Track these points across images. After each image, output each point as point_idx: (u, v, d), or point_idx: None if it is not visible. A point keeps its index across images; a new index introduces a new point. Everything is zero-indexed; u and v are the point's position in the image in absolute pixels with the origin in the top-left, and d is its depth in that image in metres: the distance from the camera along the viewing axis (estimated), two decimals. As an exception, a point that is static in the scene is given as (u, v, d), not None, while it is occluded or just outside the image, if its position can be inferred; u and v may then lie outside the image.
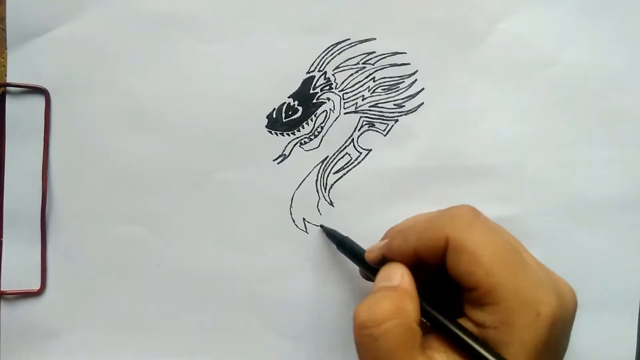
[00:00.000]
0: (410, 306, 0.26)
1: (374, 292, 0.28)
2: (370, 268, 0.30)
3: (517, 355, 0.24)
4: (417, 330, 0.26)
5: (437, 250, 0.27)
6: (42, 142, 0.35)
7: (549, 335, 0.25)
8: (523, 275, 0.25)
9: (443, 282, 0.28)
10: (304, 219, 0.35)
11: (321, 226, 0.35)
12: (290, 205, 0.35)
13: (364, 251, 0.31)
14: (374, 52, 0.35)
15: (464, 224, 0.27)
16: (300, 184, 0.35)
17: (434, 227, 0.27)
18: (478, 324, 0.25)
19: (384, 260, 0.29)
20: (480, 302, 0.25)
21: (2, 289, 0.35)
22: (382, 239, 0.32)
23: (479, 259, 0.25)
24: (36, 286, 0.35)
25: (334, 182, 0.35)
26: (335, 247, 0.34)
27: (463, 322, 0.26)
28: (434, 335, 0.27)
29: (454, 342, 0.26)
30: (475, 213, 0.28)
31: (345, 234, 0.34)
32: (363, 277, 0.33)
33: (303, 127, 0.35)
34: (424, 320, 0.27)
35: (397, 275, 0.28)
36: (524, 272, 0.26)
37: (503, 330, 0.25)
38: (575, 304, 0.27)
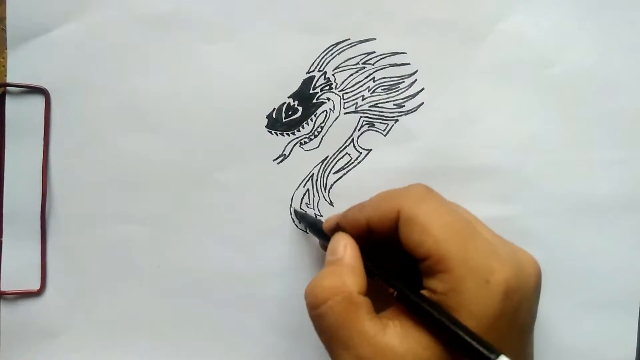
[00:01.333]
0: (350, 279, 0.27)
1: (322, 269, 0.29)
2: (328, 239, 0.31)
3: (465, 322, 0.25)
4: (361, 300, 0.27)
5: (388, 222, 0.28)
6: (42, 142, 0.35)
7: (502, 305, 0.25)
8: (473, 245, 0.26)
9: (406, 259, 0.28)
10: (304, 219, 0.35)
11: (294, 210, 0.35)
12: (290, 205, 0.35)
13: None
14: (374, 52, 0.35)
15: (416, 198, 0.28)
16: (300, 184, 0.35)
17: (388, 200, 0.28)
18: (431, 291, 0.26)
19: (338, 229, 0.30)
20: (433, 271, 0.26)
21: (2, 289, 0.35)
22: None
23: (429, 230, 0.26)
24: (36, 286, 0.35)
25: (334, 182, 0.35)
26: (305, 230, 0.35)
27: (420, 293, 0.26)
28: (392, 307, 0.27)
29: (406, 306, 0.26)
30: (428, 190, 0.29)
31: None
32: (322, 248, 0.34)
33: (303, 127, 0.35)
34: (392, 291, 0.27)
35: (340, 247, 0.29)
36: (474, 241, 0.26)
37: (451, 297, 0.25)
38: (538, 276, 0.28)
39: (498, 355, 0.23)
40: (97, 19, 0.35)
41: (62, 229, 0.35)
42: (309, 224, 0.34)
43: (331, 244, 0.30)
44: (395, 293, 0.27)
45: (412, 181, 0.35)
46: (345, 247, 0.29)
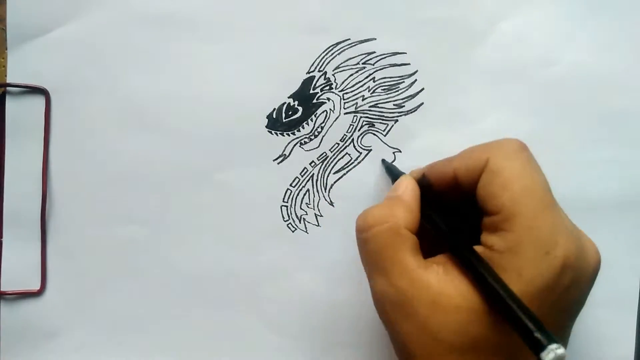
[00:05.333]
0: (401, 213, 0.28)
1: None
2: None
3: (511, 283, 0.24)
4: (407, 235, 0.27)
5: (475, 172, 0.27)
6: (42, 142, 0.35)
7: (554, 279, 0.25)
8: (547, 214, 0.26)
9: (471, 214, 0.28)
10: (304, 219, 0.35)
11: (382, 160, 0.35)
12: (291, 205, 0.35)
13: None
14: (374, 52, 0.35)
15: (508, 152, 0.27)
16: (300, 184, 0.35)
17: (479, 150, 0.28)
18: (487, 246, 0.26)
19: (423, 178, 0.30)
20: (497, 228, 0.26)
21: (2, 289, 0.35)
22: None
23: (510, 185, 0.26)
24: (36, 286, 0.35)
25: (334, 182, 0.35)
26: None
27: (474, 248, 0.26)
28: (441, 255, 0.27)
29: (454, 253, 0.27)
30: (521, 146, 0.28)
31: (345, 234, 0.34)
32: None
33: (303, 127, 0.35)
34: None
35: (402, 186, 0.29)
36: (548, 211, 0.26)
37: (506, 256, 0.25)
38: (597, 265, 0.27)
39: (550, 341, 0.21)
40: (97, 19, 0.35)
41: (62, 230, 0.35)
42: (393, 176, 0.33)
43: (394, 184, 0.30)
44: (449, 241, 0.27)
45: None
46: (406, 187, 0.29)
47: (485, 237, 0.26)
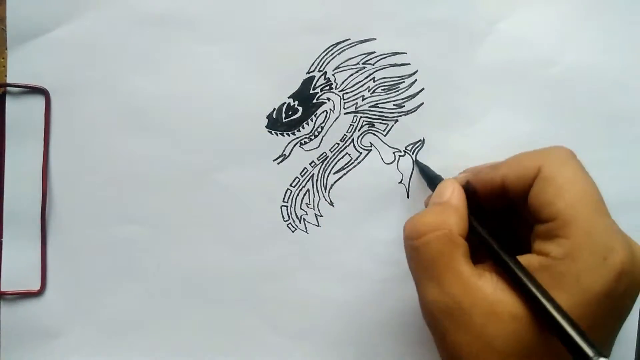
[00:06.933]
0: (452, 219, 0.27)
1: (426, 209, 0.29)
2: None
3: (569, 289, 0.24)
4: (460, 242, 0.27)
5: (526, 180, 0.27)
6: (42, 142, 0.35)
7: (611, 285, 0.25)
8: (601, 221, 0.26)
9: (515, 221, 0.28)
10: (304, 219, 0.35)
11: (416, 160, 0.35)
12: (291, 205, 0.35)
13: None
14: (374, 52, 0.35)
15: (559, 159, 0.27)
16: (300, 184, 0.35)
17: (529, 158, 0.28)
18: (543, 254, 0.26)
19: (468, 185, 0.30)
20: (552, 235, 0.26)
21: (2, 289, 0.35)
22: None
23: (564, 193, 0.26)
24: (36, 286, 0.35)
25: (334, 182, 0.35)
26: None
27: (527, 257, 0.26)
28: (490, 261, 0.27)
29: (496, 263, 0.26)
30: (571, 153, 0.28)
31: (345, 234, 0.34)
32: None
33: (303, 127, 0.35)
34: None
35: (448, 191, 0.29)
36: (602, 218, 0.26)
37: (565, 262, 0.25)
38: None
39: (598, 355, 0.22)
40: (97, 19, 0.35)
41: (62, 229, 0.35)
42: (428, 178, 0.33)
43: (438, 188, 0.30)
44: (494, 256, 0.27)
45: (412, 181, 0.35)
46: (452, 191, 0.29)
47: (540, 245, 0.26)
